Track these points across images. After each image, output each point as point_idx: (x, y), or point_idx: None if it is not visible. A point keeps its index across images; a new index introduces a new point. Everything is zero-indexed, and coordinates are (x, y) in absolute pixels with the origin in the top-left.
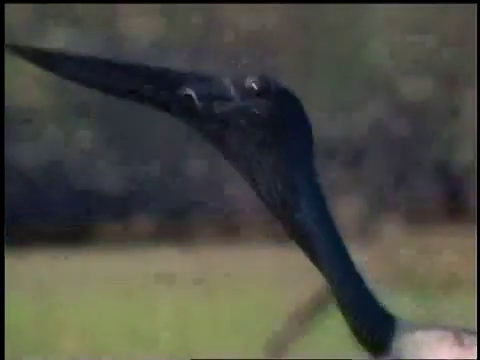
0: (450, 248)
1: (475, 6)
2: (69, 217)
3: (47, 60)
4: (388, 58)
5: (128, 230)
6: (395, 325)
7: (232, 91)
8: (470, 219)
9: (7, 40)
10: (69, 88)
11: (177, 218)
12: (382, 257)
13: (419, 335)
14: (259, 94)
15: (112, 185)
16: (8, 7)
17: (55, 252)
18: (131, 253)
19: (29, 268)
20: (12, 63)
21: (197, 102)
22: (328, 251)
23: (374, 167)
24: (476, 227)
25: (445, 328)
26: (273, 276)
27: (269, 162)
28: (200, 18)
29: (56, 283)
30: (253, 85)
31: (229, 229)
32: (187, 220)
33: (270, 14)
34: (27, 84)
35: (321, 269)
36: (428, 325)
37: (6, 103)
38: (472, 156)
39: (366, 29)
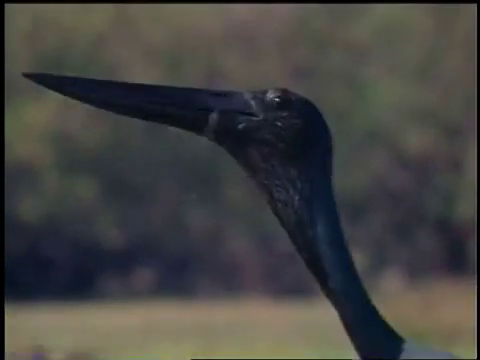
0: (451, 301)
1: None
2: (70, 271)
3: (65, 84)
4: (390, 110)
5: (129, 283)
6: (400, 346)
7: (254, 106)
8: (471, 272)
9: (8, 91)
10: (70, 145)
11: (178, 272)
12: (383, 311)
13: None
14: (281, 107)
15: (113, 239)
16: (9, 53)
17: (56, 306)
18: (132, 306)
19: (29, 322)
20: (14, 117)
21: (220, 118)
22: (337, 269)
23: (375, 221)
24: (476, 281)
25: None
26: (274, 330)
27: (289, 176)
28: (201, 69)
29: (57, 336)
30: (275, 98)
31: (230, 282)
32: (188, 274)
33: (270, 65)
34: (28, 138)
35: (325, 288)
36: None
37: (6, 157)
38: (473, 209)
39: (368, 81)
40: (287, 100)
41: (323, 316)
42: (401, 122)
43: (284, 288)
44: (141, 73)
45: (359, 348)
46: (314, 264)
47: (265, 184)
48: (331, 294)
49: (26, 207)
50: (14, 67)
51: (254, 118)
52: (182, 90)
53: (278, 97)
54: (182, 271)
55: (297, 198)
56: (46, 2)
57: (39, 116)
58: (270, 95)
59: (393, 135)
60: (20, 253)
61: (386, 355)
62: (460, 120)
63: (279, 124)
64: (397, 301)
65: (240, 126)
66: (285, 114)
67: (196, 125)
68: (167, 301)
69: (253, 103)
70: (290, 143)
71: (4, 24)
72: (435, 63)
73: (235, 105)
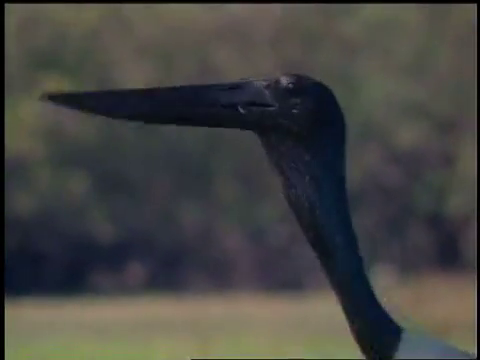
0: (442, 296)
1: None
2: (62, 266)
3: (83, 101)
4: (382, 106)
5: (121, 278)
6: (401, 335)
7: (267, 95)
8: (464, 267)
9: (6, 88)
10: (62, 140)
11: (170, 267)
12: None
13: (426, 347)
14: (294, 94)
15: (105, 234)
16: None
17: (48, 300)
18: (125, 301)
19: (24, 316)
20: (7, 113)
21: (241, 110)
22: (341, 250)
23: (367, 216)
24: (476, 275)
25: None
26: (266, 324)
27: (302, 158)
28: (194, 64)
29: (50, 331)
30: (288, 86)
31: (222, 277)
32: (180, 269)
33: (262, 61)
34: (21, 134)
35: (328, 268)
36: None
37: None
38: (465, 204)
39: (360, 77)
40: (300, 86)
41: (315, 310)
42: (393, 117)
43: (276, 283)
44: (134, 68)
45: (358, 330)
46: (319, 244)
47: (280, 165)
48: (333, 274)
49: (18, 202)
50: (6, 63)
51: (269, 108)
52: (194, 88)
53: (291, 83)
54: (174, 266)
55: (308, 179)
56: (40, 2)
57: (32, 111)
58: (283, 83)
59: (385, 130)
60: (12, 248)
61: (386, 339)
62: (452, 115)
63: (294, 111)
64: (389, 296)
65: (256, 118)
66: (299, 100)
67: (213, 122)
68: (159, 296)
69: (267, 92)
70: (305, 126)
71: (4, 24)
72: (427, 59)
73: (249, 96)
